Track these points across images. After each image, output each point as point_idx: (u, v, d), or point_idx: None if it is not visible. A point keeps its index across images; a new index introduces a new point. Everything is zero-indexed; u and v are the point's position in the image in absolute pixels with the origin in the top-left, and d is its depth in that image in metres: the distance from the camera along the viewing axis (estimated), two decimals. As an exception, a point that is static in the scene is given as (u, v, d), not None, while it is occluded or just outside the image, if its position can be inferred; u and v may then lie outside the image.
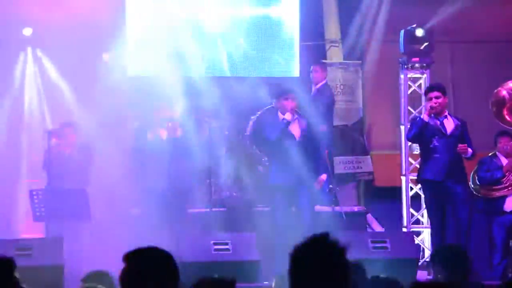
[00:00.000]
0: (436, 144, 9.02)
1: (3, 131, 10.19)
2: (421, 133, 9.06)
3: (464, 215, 8.96)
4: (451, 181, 8.99)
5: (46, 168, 9.57)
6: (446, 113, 9.20)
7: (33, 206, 8.87)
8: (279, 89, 9.13)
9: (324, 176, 9.07)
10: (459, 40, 12.11)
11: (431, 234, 9.71)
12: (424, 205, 10.19)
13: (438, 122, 9.12)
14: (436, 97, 9.07)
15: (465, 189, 9.08)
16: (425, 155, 9.16)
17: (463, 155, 9.05)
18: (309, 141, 8.97)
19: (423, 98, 10.29)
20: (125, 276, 3.44)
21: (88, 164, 9.31)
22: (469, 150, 9.02)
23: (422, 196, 10.15)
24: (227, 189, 10.38)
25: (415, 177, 10.01)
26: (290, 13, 11.80)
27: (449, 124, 9.12)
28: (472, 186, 9.76)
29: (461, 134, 9.12)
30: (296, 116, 8.95)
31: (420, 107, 10.61)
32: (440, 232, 9.23)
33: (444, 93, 9.23)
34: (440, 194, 9.07)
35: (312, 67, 11.15)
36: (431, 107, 9.04)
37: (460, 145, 8.99)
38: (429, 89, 9.39)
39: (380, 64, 11.95)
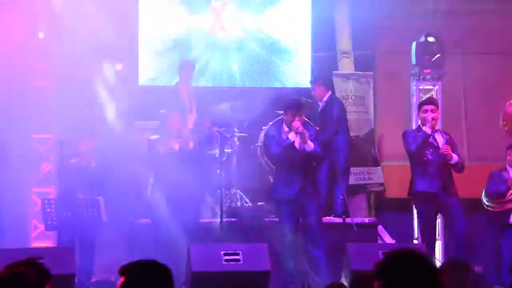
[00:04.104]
0: (430, 157, 9.05)
1: (14, 140, 10.20)
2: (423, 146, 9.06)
3: (460, 227, 8.94)
4: (444, 193, 9.01)
5: (59, 178, 9.56)
6: (437, 128, 9.24)
7: (44, 215, 8.89)
8: (288, 104, 9.11)
9: (296, 123, 8.78)
10: (471, 51, 12.09)
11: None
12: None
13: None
14: (432, 111, 9.11)
15: (458, 201, 9.06)
16: (418, 168, 9.16)
17: (449, 160, 9.03)
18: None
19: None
20: None
21: (105, 174, 9.25)
22: (454, 155, 9.03)
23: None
24: (238, 200, 10.39)
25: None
26: (302, 23, 11.83)
27: (440, 139, 9.16)
28: (485, 199, 9.74)
29: (451, 148, 9.14)
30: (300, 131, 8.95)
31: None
32: (433, 245, 9.24)
33: (438, 107, 9.28)
34: (434, 206, 9.07)
35: (311, 85, 11.09)
36: (433, 119, 9.06)
37: (443, 146, 9.01)
38: (425, 102, 9.44)
39: (392, 75, 11.95)
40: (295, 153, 8.79)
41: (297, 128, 8.73)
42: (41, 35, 10.54)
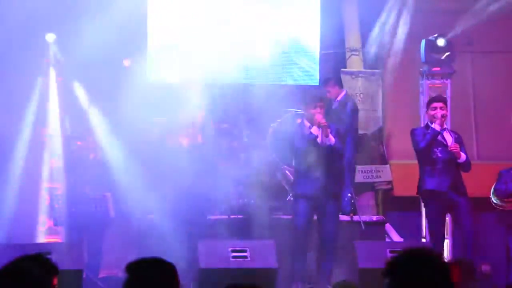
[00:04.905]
0: (439, 155, 9.03)
1: (25, 136, 10.23)
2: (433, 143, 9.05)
3: (468, 227, 8.92)
4: (454, 192, 8.99)
5: (67, 174, 9.60)
6: (445, 126, 9.23)
7: (53, 211, 8.93)
8: (308, 97, 9.07)
9: (318, 116, 8.78)
10: (481, 50, 12.06)
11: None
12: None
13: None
14: (441, 108, 9.09)
15: (467, 200, 9.04)
16: (426, 167, 9.13)
17: (457, 159, 9.01)
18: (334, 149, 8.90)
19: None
20: (127, 287, 3.47)
21: (114, 170, 9.27)
22: (462, 154, 9.01)
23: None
24: (245, 196, 10.39)
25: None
26: (311, 21, 11.81)
27: (448, 137, 9.14)
28: (495, 198, 9.73)
29: (459, 147, 9.14)
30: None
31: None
32: (441, 244, 9.23)
33: (446, 105, 9.27)
34: (444, 205, 9.05)
35: (324, 88, 11.06)
36: (443, 116, 9.05)
37: (452, 144, 9.00)
38: (434, 100, 9.43)
39: (401, 73, 11.93)
40: (317, 148, 8.74)
41: (319, 122, 8.69)
42: (50, 36, 10.57)
